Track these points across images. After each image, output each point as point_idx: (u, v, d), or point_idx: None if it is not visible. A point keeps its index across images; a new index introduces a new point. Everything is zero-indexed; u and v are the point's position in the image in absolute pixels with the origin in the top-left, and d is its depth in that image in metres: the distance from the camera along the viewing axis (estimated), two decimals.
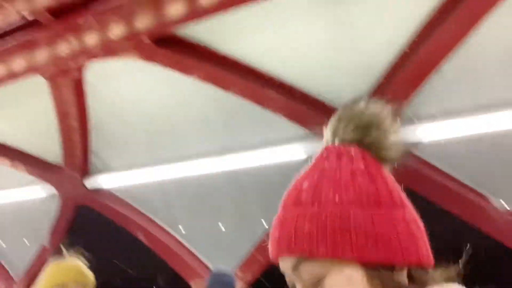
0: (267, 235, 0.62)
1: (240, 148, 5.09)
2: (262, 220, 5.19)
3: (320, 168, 0.62)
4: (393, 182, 0.62)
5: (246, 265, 5.41)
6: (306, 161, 0.71)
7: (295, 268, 0.57)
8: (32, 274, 8.05)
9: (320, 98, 4.14)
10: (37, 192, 7.52)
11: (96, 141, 6.28)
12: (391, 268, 0.56)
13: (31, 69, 4.83)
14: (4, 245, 8.63)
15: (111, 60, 4.59)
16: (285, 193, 0.65)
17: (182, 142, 5.65)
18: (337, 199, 0.56)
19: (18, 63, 4.94)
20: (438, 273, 0.60)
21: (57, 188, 7.12)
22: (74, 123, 5.63)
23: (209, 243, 6.48)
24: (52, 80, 4.88)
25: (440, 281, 0.59)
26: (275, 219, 0.63)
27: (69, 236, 7.73)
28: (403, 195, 0.62)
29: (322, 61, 4.06)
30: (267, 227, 5.08)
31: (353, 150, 0.62)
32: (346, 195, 0.57)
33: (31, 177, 7.48)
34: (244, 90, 4.11)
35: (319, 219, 0.55)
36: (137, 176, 6.49)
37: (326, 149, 0.65)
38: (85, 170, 6.68)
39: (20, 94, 6.04)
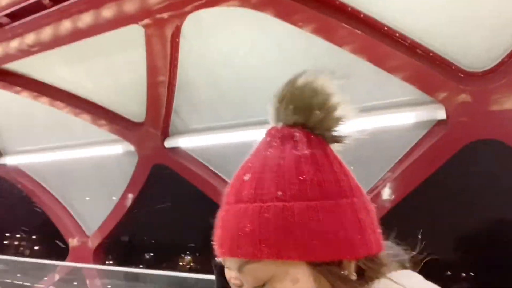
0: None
1: None
2: None
3: (263, 156, 0.56)
4: (341, 166, 0.57)
5: None
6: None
7: (240, 270, 0.52)
8: (105, 229, 8.40)
9: (447, 58, 3.71)
10: (114, 149, 7.71)
11: (179, 100, 6.21)
12: (339, 263, 0.52)
13: (126, 18, 4.72)
14: (81, 200, 8.99)
15: (213, 11, 4.38)
16: (228, 186, 0.59)
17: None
18: (279, 194, 0.51)
19: (111, 10, 4.80)
20: (389, 261, 0.57)
21: (136, 146, 7.22)
22: (163, 79, 5.56)
23: None
24: (149, 30, 4.77)
25: (392, 269, 0.56)
26: (218, 216, 0.58)
27: (143, 193, 7.93)
28: (352, 180, 0.57)
29: (452, 15, 3.60)
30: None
31: (298, 134, 0.57)
32: (289, 189, 0.52)
33: (109, 134, 7.69)
34: (360, 45, 3.77)
35: (261, 217, 0.50)
36: (217, 139, 6.42)
37: (269, 133, 0.59)
38: (166, 129, 6.69)
39: (106, 48, 6.07)
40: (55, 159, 8.77)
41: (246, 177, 0.56)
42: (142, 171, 7.55)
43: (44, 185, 9.39)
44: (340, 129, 0.58)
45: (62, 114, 8.23)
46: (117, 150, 7.73)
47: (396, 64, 3.75)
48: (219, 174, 6.86)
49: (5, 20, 5.01)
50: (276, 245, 0.50)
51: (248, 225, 0.51)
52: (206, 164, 6.93)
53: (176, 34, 4.85)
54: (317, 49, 4.21)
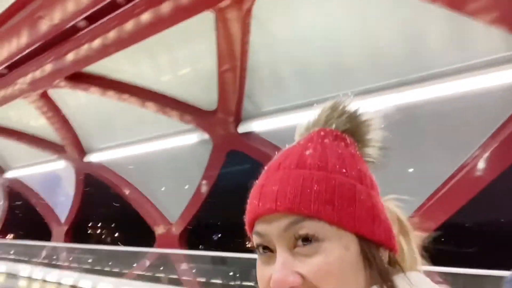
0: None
1: (422, 79, 4.42)
2: None
3: (321, 142, 0.61)
4: (367, 169, 0.63)
5: None
6: None
7: (290, 226, 0.53)
8: (187, 216, 8.75)
9: None
10: (188, 139, 7.94)
11: (250, 84, 6.16)
12: (380, 247, 0.57)
13: (202, 3, 4.69)
14: (160, 190, 9.45)
15: None
16: (278, 156, 0.62)
17: (348, 81, 5.17)
18: (344, 171, 0.56)
19: None
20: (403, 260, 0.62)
21: (210, 133, 7.35)
22: (234, 64, 5.51)
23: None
24: (220, 15, 4.72)
25: (407, 269, 0.60)
26: (266, 177, 0.58)
27: (220, 179, 8.11)
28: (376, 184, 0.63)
29: None
30: None
31: (348, 138, 0.63)
32: (352, 170, 0.57)
33: (183, 125, 7.92)
34: None
35: (329, 183, 0.54)
36: (290, 120, 6.29)
37: (323, 130, 0.63)
38: (238, 114, 6.70)
39: (173, 40, 6.16)
40: (134, 153, 9.28)
41: (308, 152, 0.59)
42: (217, 158, 7.69)
43: (127, 179, 9.99)
44: (375, 149, 0.65)
45: (136, 111, 8.67)
46: (191, 139, 7.95)
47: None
48: None
49: (84, 23, 5.26)
50: (339, 211, 0.53)
51: (316, 185, 0.54)
52: (281, 146, 6.87)
53: (247, 16, 4.76)
54: (401, 15, 3.86)
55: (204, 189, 8.27)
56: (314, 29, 4.77)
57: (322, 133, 0.63)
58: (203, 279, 8.44)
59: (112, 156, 9.74)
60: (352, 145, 0.62)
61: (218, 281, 8.15)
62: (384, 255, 0.58)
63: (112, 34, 5.08)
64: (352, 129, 0.64)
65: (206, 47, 5.89)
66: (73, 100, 8.79)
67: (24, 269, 12.64)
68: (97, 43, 5.52)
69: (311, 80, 5.55)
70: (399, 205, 0.64)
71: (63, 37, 5.66)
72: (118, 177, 10.09)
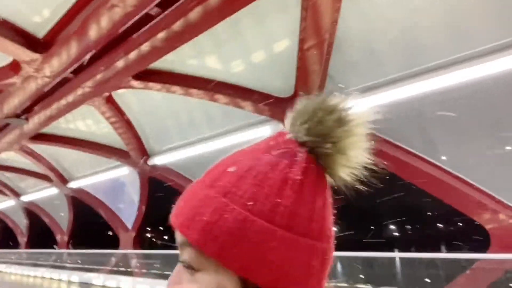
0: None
1: None
2: None
3: (257, 157, 0.53)
4: (324, 206, 0.51)
5: None
6: None
7: (181, 246, 0.52)
8: None
9: None
10: (262, 131, 7.40)
11: (334, 63, 5.48)
12: None
13: None
14: None
15: None
16: (216, 163, 0.56)
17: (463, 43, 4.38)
18: (249, 204, 0.49)
19: None
20: None
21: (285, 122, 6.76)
22: (322, 37, 4.86)
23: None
24: None
25: None
26: (190, 187, 0.55)
27: None
28: (327, 225, 0.52)
29: None
30: None
31: (301, 155, 0.52)
32: (261, 204, 0.49)
33: (252, 116, 7.39)
34: None
35: (221, 216, 0.48)
36: (381, 98, 5.56)
37: (277, 137, 0.56)
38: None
39: (249, 23, 5.61)
40: (201, 152, 8.91)
41: (231, 169, 0.52)
42: None
43: (194, 180, 9.67)
44: (350, 167, 0.52)
45: (203, 107, 8.26)
46: (265, 131, 7.41)
47: None
48: (390, 139, 6.01)
49: (156, 10, 4.82)
50: (222, 248, 0.48)
51: (207, 216, 0.49)
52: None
53: None
54: None
55: None
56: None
57: (272, 142, 0.55)
58: None
59: (178, 157, 9.43)
60: (298, 167, 0.51)
61: None
62: None
63: (192, 16, 4.59)
64: (315, 143, 0.52)
65: (285, 24, 5.29)
66: (135, 102, 8.54)
67: (96, 278, 12.77)
68: (171, 30, 5.07)
69: (404, 51, 4.80)
70: None
71: (133, 29, 5.27)
72: (185, 178, 9.79)
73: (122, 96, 8.08)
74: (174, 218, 0.53)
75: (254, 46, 6.20)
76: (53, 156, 12.77)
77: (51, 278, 15.55)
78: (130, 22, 4.81)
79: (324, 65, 5.38)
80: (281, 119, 6.79)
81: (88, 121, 9.59)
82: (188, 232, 0.50)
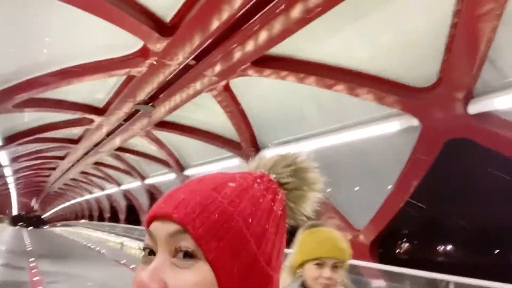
0: None
1: None
2: None
3: (249, 184, 0.58)
4: (285, 245, 0.60)
5: None
6: None
7: (176, 235, 0.51)
8: (380, 221, 7.31)
9: None
10: (385, 128, 6.50)
11: (499, 42, 4.32)
12: None
13: None
14: (342, 190, 8.22)
15: None
16: (205, 175, 0.59)
17: None
18: (249, 221, 0.53)
19: None
20: None
21: (419, 117, 5.75)
22: (485, 10, 3.82)
23: None
24: None
25: None
26: (184, 185, 0.57)
27: (429, 179, 6.40)
28: (282, 256, 0.59)
29: None
30: None
31: (280, 194, 0.60)
32: (256, 226, 0.53)
33: (377, 110, 6.53)
34: None
35: (229, 222, 0.51)
36: None
37: (261, 177, 0.61)
38: (471, 89, 4.91)
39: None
40: (312, 148, 8.38)
41: (232, 184, 0.56)
42: (428, 150, 6.01)
43: None
44: (305, 211, 0.63)
45: (312, 100, 7.70)
46: (388, 128, 6.49)
47: None
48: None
49: None
50: (220, 252, 0.50)
51: (217, 216, 0.51)
52: None
53: None
54: None
55: (404, 190, 6.69)
56: None
57: (258, 179, 0.60)
58: None
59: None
60: (279, 203, 0.59)
61: None
62: None
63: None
64: (294, 184, 0.61)
65: None
66: (250, 92, 8.39)
67: None
68: (294, 12, 4.61)
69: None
70: None
71: (253, 11, 4.95)
72: None
73: (237, 86, 7.99)
74: (170, 208, 0.53)
75: (383, 26, 5.36)
76: (172, 143, 13.67)
77: None
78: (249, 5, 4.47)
79: (485, 46, 4.29)
80: (413, 112, 5.81)
81: (204, 111, 9.84)
82: (194, 224, 0.50)
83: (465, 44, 4.37)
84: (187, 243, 0.50)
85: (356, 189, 8.03)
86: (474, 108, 5.03)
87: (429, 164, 6.08)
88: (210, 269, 0.50)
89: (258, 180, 0.59)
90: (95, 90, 9.06)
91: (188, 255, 0.50)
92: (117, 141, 13.46)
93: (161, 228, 0.52)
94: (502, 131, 4.96)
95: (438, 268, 6.60)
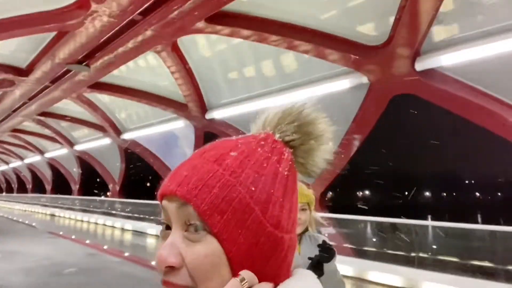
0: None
1: None
2: None
3: (252, 149, 0.57)
4: (295, 198, 0.59)
5: None
6: None
7: (181, 209, 0.53)
8: (327, 178, 7.74)
9: None
10: (333, 86, 6.71)
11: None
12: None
13: None
14: None
15: None
16: (210, 144, 0.59)
17: None
18: (252, 189, 0.53)
19: None
20: None
21: (369, 75, 6.04)
22: None
23: None
24: None
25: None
26: (187, 160, 0.57)
27: (374, 133, 6.86)
28: (295, 216, 0.59)
29: None
30: None
31: (286, 153, 0.59)
32: (260, 192, 0.54)
33: (324, 69, 6.71)
34: None
35: (231, 193, 0.52)
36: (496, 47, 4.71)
37: (265, 138, 0.60)
38: (419, 45, 5.24)
39: None
40: (261, 107, 8.39)
41: (233, 153, 0.56)
42: (374, 106, 6.39)
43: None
44: (317, 166, 0.62)
45: (267, 58, 7.65)
46: (338, 86, 6.72)
47: None
48: (490, 93, 5.22)
49: None
50: (224, 224, 0.51)
51: (218, 189, 0.52)
52: (471, 83, 5.32)
53: None
54: None
55: (350, 148, 7.11)
56: None
57: (262, 141, 0.59)
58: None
59: (239, 112, 8.98)
60: (285, 164, 0.58)
61: None
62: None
63: None
64: (299, 141, 0.60)
65: None
66: (197, 52, 8.04)
67: (151, 227, 13.09)
68: None
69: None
70: None
71: None
72: (243, 134, 9.38)
73: (185, 44, 7.59)
74: (174, 186, 0.54)
75: None
76: (107, 106, 12.77)
77: (104, 225, 16.23)
78: None
79: (436, 4, 4.55)
80: (365, 71, 6.07)
81: (145, 71, 9.26)
82: (196, 201, 0.52)
83: (418, 3, 4.58)
84: (194, 218, 0.52)
85: None
86: (421, 65, 5.40)
87: (375, 121, 6.49)
88: (217, 241, 0.51)
89: (262, 143, 0.58)
90: (18, 48, 7.98)
91: (198, 228, 0.52)
92: (41, 105, 12.19)
93: (170, 205, 0.54)
94: (447, 87, 5.41)
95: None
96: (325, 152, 0.60)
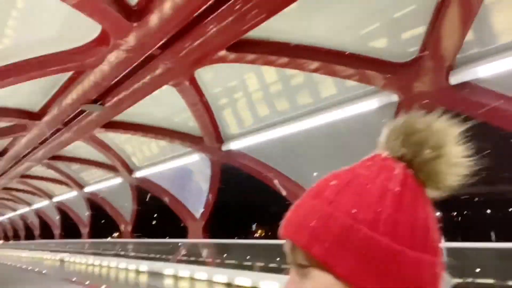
0: None
1: None
2: None
3: (356, 174, 0.57)
4: (426, 219, 0.54)
5: None
6: None
7: (291, 251, 0.57)
8: None
9: None
10: (358, 107, 6.49)
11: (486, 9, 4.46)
12: None
13: None
14: (314, 174, 8.18)
15: None
16: (317, 181, 0.59)
17: None
18: (353, 211, 0.52)
19: None
20: None
21: (398, 92, 5.81)
22: None
23: None
24: None
25: None
26: (297, 201, 0.59)
27: None
28: (434, 238, 0.54)
29: None
30: None
31: (398, 168, 0.56)
32: (364, 212, 0.52)
33: (349, 90, 6.52)
34: None
35: (328, 221, 0.53)
36: None
37: (373, 158, 0.59)
38: (454, 58, 5.03)
39: None
40: (281, 135, 8.17)
41: (333, 183, 0.57)
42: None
43: (272, 165, 8.96)
44: (448, 178, 0.55)
45: (281, 84, 7.49)
46: (361, 107, 6.49)
47: None
48: None
49: None
50: (328, 251, 0.52)
51: (314, 222, 0.54)
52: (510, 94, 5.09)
53: None
54: None
55: None
56: None
57: (369, 162, 0.58)
58: None
59: (255, 141, 8.73)
60: (395, 180, 0.54)
61: None
62: None
63: None
64: (411, 153, 0.56)
65: None
66: (213, 83, 7.91)
67: (168, 268, 12.52)
68: None
69: None
70: None
71: None
72: (262, 164, 9.10)
73: (201, 75, 7.46)
74: (284, 229, 0.57)
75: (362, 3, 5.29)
76: (118, 145, 12.56)
77: (117, 267, 15.64)
78: None
79: (472, 16, 4.38)
80: (395, 89, 5.86)
81: (160, 106, 9.11)
82: (297, 237, 0.54)
83: (455, 16, 4.42)
84: (300, 256, 0.54)
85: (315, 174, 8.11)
86: (456, 78, 5.18)
87: None
88: (325, 273, 0.52)
89: (369, 163, 0.58)
90: (31, 91, 7.86)
91: (305, 265, 0.54)
92: (52, 148, 11.99)
93: (285, 246, 0.57)
94: (487, 100, 5.16)
95: None
96: (447, 164, 0.54)
